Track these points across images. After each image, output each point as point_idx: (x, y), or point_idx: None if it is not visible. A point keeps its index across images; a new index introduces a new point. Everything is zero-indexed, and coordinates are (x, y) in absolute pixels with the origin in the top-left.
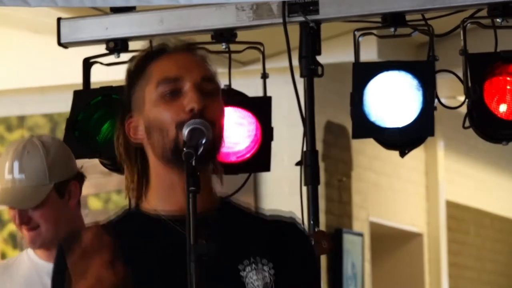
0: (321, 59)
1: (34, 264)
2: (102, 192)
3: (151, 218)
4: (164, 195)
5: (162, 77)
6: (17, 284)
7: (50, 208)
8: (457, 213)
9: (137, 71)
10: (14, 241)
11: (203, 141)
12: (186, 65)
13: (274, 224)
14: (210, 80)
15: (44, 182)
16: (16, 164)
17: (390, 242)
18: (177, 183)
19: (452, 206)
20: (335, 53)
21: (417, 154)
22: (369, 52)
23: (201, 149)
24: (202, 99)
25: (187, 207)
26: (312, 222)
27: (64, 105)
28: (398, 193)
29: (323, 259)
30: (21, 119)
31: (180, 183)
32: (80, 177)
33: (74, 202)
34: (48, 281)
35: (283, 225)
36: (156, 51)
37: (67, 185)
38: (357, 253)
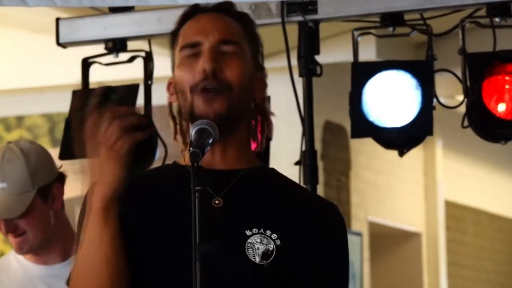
0: (320, 58)
1: (25, 269)
2: None
3: (181, 170)
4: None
5: (184, 43)
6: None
7: (35, 214)
8: (456, 213)
9: (173, 35)
10: None
11: (210, 141)
12: (205, 29)
13: (312, 199)
14: (229, 42)
15: (27, 189)
16: None
17: (389, 242)
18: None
19: (450, 206)
20: (334, 53)
21: (415, 154)
22: (368, 52)
23: (207, 148)
24: (215, 60)
25: (192, 206)
26: None
27: (62, 105)
28: (396, 192)
29: None
30: (20, 119)
31: (215, 146)
32: (61, 178)
33: (59, 204)
34: (38, 284)
35: (321, 203)
36: (188, 13)
37: (50, 188)
38: (355, 252)
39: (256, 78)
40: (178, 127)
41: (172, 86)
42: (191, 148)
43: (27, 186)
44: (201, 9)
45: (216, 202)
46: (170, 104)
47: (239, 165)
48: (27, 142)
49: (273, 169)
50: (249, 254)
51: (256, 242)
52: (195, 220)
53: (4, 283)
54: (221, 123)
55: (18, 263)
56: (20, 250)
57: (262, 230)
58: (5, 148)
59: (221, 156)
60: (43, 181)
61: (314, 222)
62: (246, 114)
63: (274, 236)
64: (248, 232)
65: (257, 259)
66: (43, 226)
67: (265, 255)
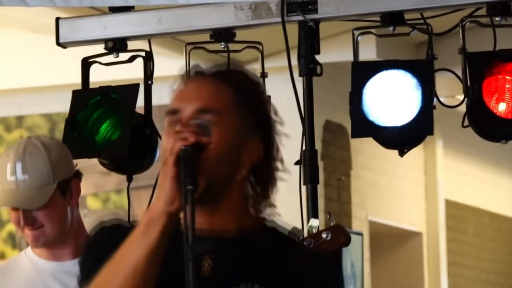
0: (320, 58)
1: (35, 265)
2: (101, 192)
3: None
4: None
5: (167, 108)
6: (18, 287)
7: (54, 208)
8: (456, 212)
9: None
10: (13, 241)
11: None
12: (187, 96)
13: (304, 255)
14: (208, 111)
15: (48, 182)
16: (19, 165)
17: (389, 241)
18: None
19: (451, 205)
20: (334, 52)
21: (416, 153)
22: (368, 51)
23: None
24: (188, 126)
25: (184, 205)
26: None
27: (63, 105)
28: (397, 192)
29: None
30: (20, 119)
31: (204, 207)
32: (79, 175)
33: (76, 200)
34: (50, 280)
35: (313, 258)
36: (189, 75)
37: (69, 184)
38: (356, 252)
39: (246, 145)
40: None
41: None
42: (183, 146)
43: (48, 179)
44: (199, 73)
45: (206, 264)
46: None
47: (231, 225)
48: (47, 137)
49: (272, 228)
50: None
51: None
52: (185, 221)
53: (13, 279)
54: (203, 197)
55: (29, 260)
56: (37, 242)
57: (249, 284)
58: (26, 142)
59: (213, 217)
60: (63, 176)
61: (306, 278)
62: (229, 183)
63: None
64: None
65: None
66: (60, 221)
67: None
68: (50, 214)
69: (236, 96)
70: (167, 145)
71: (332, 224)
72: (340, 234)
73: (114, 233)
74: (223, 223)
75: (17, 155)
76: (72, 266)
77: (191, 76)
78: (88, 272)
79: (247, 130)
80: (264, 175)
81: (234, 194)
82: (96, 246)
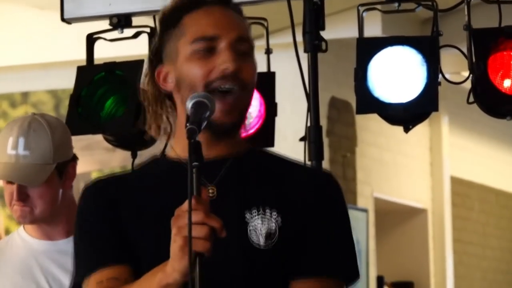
0: (326, 35)
1: (28, 245)
2: (106, 168)
3: (173, 164)
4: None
5: (198, 35)
6: (13, 267)
7: (48, 188)
8: (462, 189)
9: (171, 20)
10: None
11: (207, 115)
12: (222, 23)
13: (307, 173)
14: (245, 40)
15: (48, 162)
16: (21, 140)
17: (395, 218)
18: (201, 135)
19: (456, 182)
20: (340, 29)
21: (421, 130)
22: (374, 28)
23: (204, 123)
24: (236, 60)
25: (188, 182)
26: None
27: (68, 81)
28: (402, 169)
29: None
30: (25, 95)
31: (203, 137)
32: (75, 159)
33: (70, 183)
34: (44, 260)
35: (317, 176)
36: (193, 1)
37: (67, 166)
38: (361, 229)
39: None
40: (154, 115)
41: (173, 75)
42: (187, 124)
43: (49, 159)
44: (210, 1)
45: (210, 191)
46: (145, 88)
47: (228, 152)
48: (52, 117)
49: (262, 150)
50: (253, 239)
51: (258, 224)
52: (190, 198)
53: (8, 260)
54: (234, 130)
55: (22, 239)
56: (23, 219)
57: (261, 211)
58: (31, 119)
59: (212, 146)
60: (63, 158)
61: (313, 195)
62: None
63: (274, 214)
64: (248, 216)
65: (262, 242)
66: (51, 202)
67: (269, 236)
68: (44, 194)
69: (249, 28)
70: (197, 76)
71: None
72: None
73: (99, 187)
74: (229, 151)
75: (21, 130)
76: (64, 245)
77: (205, 3)
78: (86, 227)
79: None
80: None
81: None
82: (87, 204)
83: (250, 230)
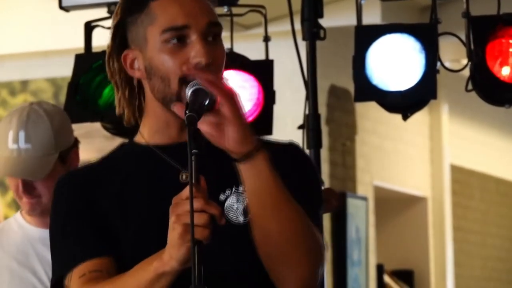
0: (326, 23)
1: (26, 231)
2: None
3: (142, 148)
4: (158, 130)
5: (167, 25)
6: (8, 253)
7: (54, 178)
8: (462, 177)
9: (137, 5)
10: (17, 206)
11: (206, 102)
12: (191, 11)
13: (269, 145)
14: (215, 23)
15: (50, 152)
16: (21, 134)
17: (394, 206)
18: (173, 121)
19: (456, 170)
20: (339, 17)
21: (421, 118)
22: (373, 16)
23: (203, 111)
24: (208, 52)
25: (189, 168)
26: None
27: (67, 70)
28: (402, 157)
29: (327, 223)
30: (24, 83)
31: (176, 122)
32: (77, 143)
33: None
34: (41, 248)
35: (279, 146)
36: None
37: (70, 153)
38: (361, 217)
39: None
40: (121, 94)
41: (141, 62)
42: (187, 112)
43: (51, 149)
44: None
45: (183, 177)
46: (110, 68)
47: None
48: (50, 104)
49: None
50: (231, 217)
51: (233, 203)
52: (191, 185)
53: (4, 246)
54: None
55: (19, 226)
56: (34, 211)
57: (235, 189)
58: (29, 109)
59: (184, 131)
60: (64, 145)
61: (277, 160)
62: None
63: None
64: (222, 196)
65: (241, 219)
66: None
67: (246, 211)
68: (49, 184)
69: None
70: (170, 69)
71: (323, 188)
72: (332, 198)
73: (72, 179)
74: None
75: (20, 123)
76: None
77: None
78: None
79: None
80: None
81: None
82: (62, 197)
83: (227, 209)
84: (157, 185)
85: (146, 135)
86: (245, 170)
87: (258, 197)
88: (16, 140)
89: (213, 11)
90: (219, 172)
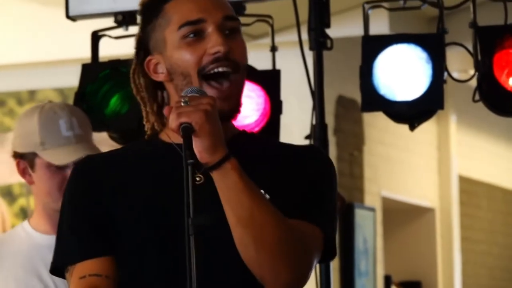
0: (333, 33)
1: (32, 238)
2: None
3: (165, 145)
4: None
5: (183, 21)
6: (15, 261)
7: None
8: (469, 187)
9: (152, 10)
10: (24, 215)
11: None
12: (206, 6)
13: (290, 148)
14: (232, 18)
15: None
16: (74, 120)
17: (402, 217)
18: None
19: (464, 180)
20: (347, 27)
21: (429, 128)
22: (381, 26)
23: None
24: (226, 42)
25: (185, 178)
26: None
27: (74, 79)
28: (410, 167)
29: None
30: (32, 93)
31: None
32: None
33: None
34: (48, 255)
35: (299, 148)
36: None
37: None
38: (369, 227)
39: None
40: (149, 108)
41: (163, 65)
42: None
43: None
44: None
45: (197, 178)
46: (136, 84)
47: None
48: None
49: (246, 132)
50: None
51: None
52: (188, 194)
53: (11, 253)
54: (231, 117)
55: (26, 233)
56: None
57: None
58: (57, 104)
59: None
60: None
61: (295, 163)
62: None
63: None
64: None
65: None
66: None
67: None
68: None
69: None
70: (189, 62)
71: None
72: (337, 200)
73: (85, 167)
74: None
75: (66, 111)
76: None
77: None
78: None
79: None
80: None
81: None
82: (74, 186)
83: None
84: (166, 180)
85: (171, 135)
86: (216, 179)
87: (230, 206)
88: (70, 127)
89: (228, 6)
90: (250, 177)
